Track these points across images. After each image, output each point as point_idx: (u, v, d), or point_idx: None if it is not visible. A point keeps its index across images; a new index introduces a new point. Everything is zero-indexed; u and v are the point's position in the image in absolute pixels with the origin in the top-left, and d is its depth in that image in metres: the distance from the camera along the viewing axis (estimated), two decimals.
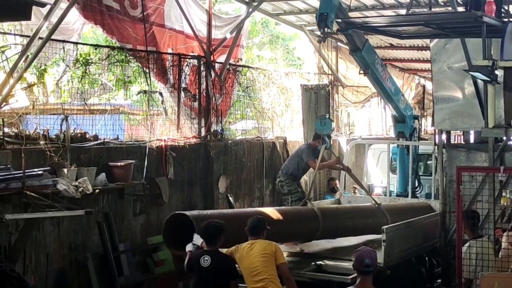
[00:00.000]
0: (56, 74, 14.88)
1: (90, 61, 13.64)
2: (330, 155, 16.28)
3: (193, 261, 9.77)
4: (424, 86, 27.42)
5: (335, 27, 13.62)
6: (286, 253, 12.70)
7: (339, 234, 13.71)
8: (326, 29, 13.43)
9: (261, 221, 10.25)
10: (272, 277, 9.71)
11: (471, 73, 10.66)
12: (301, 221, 12.69)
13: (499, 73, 10.41)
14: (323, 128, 14.10)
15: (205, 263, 9.55)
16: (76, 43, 13.67)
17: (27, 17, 8.63)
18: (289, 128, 20.08)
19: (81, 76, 13.46)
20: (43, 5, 9.84)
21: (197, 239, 9.94)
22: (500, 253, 10.80)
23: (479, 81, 11.54)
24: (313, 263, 12.19)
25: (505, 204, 10.69)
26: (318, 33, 20.71)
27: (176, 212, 11.26)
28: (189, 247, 10.06)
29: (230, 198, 16.23)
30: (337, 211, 14.08)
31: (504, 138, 13.20)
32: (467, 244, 10.55)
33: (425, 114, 26.95)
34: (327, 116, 14.50)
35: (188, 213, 10.78)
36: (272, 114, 19.60)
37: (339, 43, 22.43)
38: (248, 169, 17.28)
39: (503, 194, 10.77)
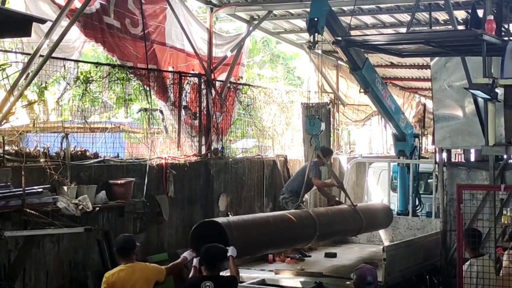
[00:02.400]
0: (57, 92, 14.89)
1: (90, 79, 13.64)
2: (329, 176, 16.26)
3: None
4: (424, 105, 27.45)
5: (326, 36, 13.66)
6: (286, 272, 12.72)
7: (331, 236, 13.92)
8: (316, 34, 13.46)
9: (131, 241, 9.65)
10: None
11: (471, 91, 10.68)
12: (303, 225, 12.75)
13: (500, 91, 10.42)
14: (312, 128, 13.88)
15: None
16: (76, 61, 13.68)
17: (27, 33, 8.63)
18: (289, 146, 20.07)
19: (81, 94, 13.47)
20: (43, 21, 9.85)
21: (230, 251, 9.79)
22: (501, 272, 10.77)
23: (480, 99, 11.55)
24: (314, 281, 12.16)
25: (506, 222, 10.65)
26: (319, 51, 20.88)
27: (206, 219, 11.34)
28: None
29: (230, 216, 16.19)
30: (327, 214, 14.09)
31: (505, 156, 13.21)
32: (468, 263, 10.52)
33: (426, 133, 26.98)
34: (317, 116, 14.22)
35: (220, 221, 10.89)
36: (272, 132, 19.59)
37: (339, 62, 22.47)
38: (248, 187, 17.26)
39: (504, 212, 10.74)
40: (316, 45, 13.71)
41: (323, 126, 13.93)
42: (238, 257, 10.71)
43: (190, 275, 9.61)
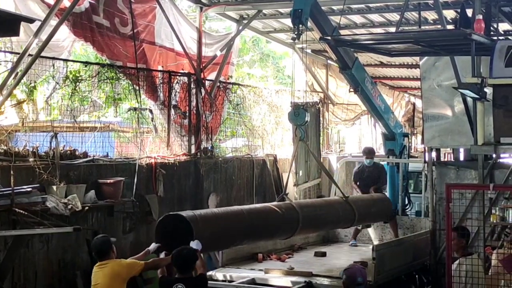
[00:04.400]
0: (46, 92, 14.86)
1: (80, 78, 13.61)
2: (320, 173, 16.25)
3: None
4: (414, 104, 27.51)
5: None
6: (276, 271, 12.71)
7: (316, 228, 13.83)
8: (300, 26, 13.44)
9: (107, 242, 9.74)
10: None
11: (460, 90, 10.71)
12: (284, 217, 12.62)
13: (488, 90, 10.45)
14: (297, 118, 13.75)
15: None
16: (66, 60, 13.65)
17: (16, 33, 8.64)
18: (279, 146, 20.05)
19: (71, 93, 13.44)
20: (31, 21, 9.86)
21: (195, 245, 9.77)
22: (490, 271, 10.79)
23: (469, 99, 11.58)
24: (304, 281, 12.15)
25: (494, 221, 10.67)
26: (309, 51, 20.92)
27: (171, 213, 11.11)
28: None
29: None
30: (313, 205, 13.99)
31: (494, 155, 13.25)
32: (457, 262, 10.53)
33: (415, 132, 27.02)
34: (302, 106, 14.15)
35: (185, 214, 10.55)
36: (262, 131, 19.58)
37: (329, 61, 22.48)
38: (238, 186, 17.25)
39: (493, 211, 10.76)
40: (300, 37, 13.66)
41: (308, 116, 13.79)
42: (208, 250, 10.77)
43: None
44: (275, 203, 13.22)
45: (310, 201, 14.62)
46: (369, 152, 16.63)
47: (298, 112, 13.68)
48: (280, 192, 17.92)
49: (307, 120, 13.79)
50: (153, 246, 10.22)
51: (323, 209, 13.85)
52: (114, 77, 14.22)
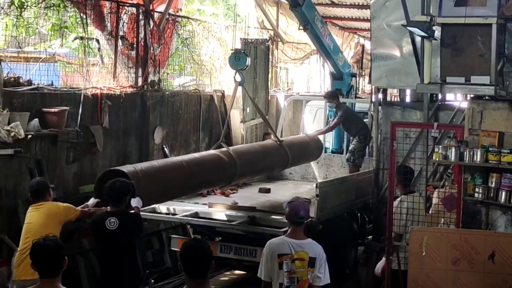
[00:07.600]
0: None
1: (25, 4, 13.30)
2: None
3: (96, 225, 9.50)
4: (363, 46, 27.55)
5: None
6: (220, 206, 12.78)
7: (252, 174, 13.95)
8: None
9: (44, 183, 10.03)
10: None
11: (409, 28, 10.69)
12: (221, 166, 12.63)
13: (437, 30, 10.49)
14: (238, 62, 13.75)
15: (111, 226, 9.19)
16: None
17: None
18: (228, 84, 19.92)
19: (15, 20, 13.13)
20: None
21: (136, 202, 9.75)
22: (431, 210, 10.96)
23: (417, 39, 11.57)
24: (247, 215, 12.23)
25: (437, 159, 10.75)
26: None
27: (112, 168, 11.06)
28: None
29: (166, 149, 16.12)
30: (249, 151, 14.02)
31: (439, 96, 13.38)
32: (398, 199, 10.68)
33: (363, 74, 27.13)
34: (243, 51, 14.12)
35: (126, 170, 10.48)
36: (211, 67, 19.41)
37: None
38: (184, 121, 17.15)
39: (436, 150, 10.86)
40: None
41: (248, 61, 13.79)
42: (148, 205, 10.84)
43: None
44: (212, 151, 13.18)
45: (246, 148, 14.59)
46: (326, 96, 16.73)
47: (239, 56, 13.63)
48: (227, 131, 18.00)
49: (247, 65, 13.77)
50: (92, 201, 10.22)
51: (259, 155, 13.91)
52: (61, 5, 13.93)
